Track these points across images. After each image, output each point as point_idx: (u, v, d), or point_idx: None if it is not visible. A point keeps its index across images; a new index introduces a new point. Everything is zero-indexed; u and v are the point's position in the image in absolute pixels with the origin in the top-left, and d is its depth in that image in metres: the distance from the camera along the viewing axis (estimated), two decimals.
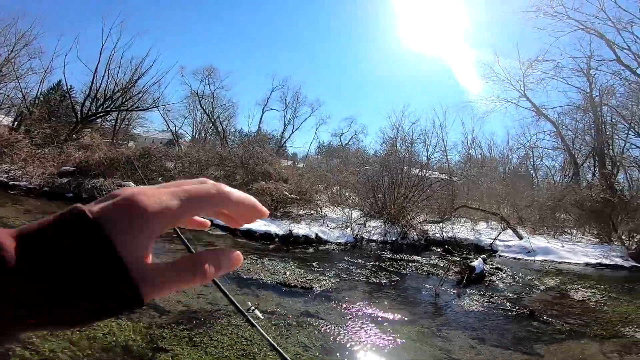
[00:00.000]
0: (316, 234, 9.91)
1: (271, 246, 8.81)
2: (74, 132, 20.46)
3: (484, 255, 8.69)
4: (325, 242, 9.79)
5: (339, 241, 9.99)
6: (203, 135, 40.31)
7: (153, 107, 27.26)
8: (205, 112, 37.27)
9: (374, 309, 5.40)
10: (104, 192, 11.30)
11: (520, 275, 8.56)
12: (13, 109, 23.30)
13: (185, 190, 0.31)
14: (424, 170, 13.41)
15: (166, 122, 34.58)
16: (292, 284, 5.91)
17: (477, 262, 7.37)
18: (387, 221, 11.61)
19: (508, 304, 6.25)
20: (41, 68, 24.41)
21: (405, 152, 14.71)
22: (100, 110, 23.85)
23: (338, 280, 6.63)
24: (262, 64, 71.40)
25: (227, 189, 0.34)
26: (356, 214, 12.22)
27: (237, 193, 0.34)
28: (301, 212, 12.03)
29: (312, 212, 12.31)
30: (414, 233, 11.49)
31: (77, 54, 39.98)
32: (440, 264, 8.83)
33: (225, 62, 76.46)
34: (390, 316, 5.20)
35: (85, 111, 23.10)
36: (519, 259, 10.75)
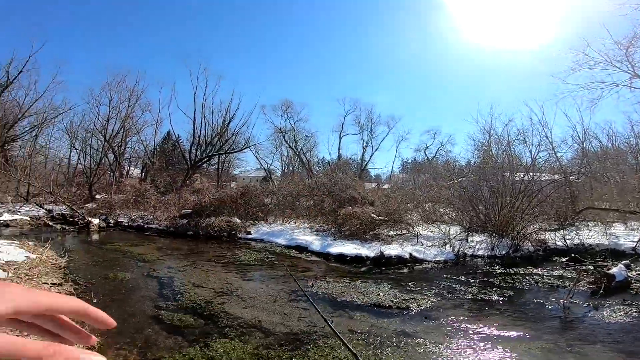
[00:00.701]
0: (410, 254, 9.31)
1: (363, 269, 8.54)
2: (187, 178, 23.83)
3: (627, 261, 6.95)
4: (422, 261, 9.10)
5: (437, 259, 9.18)
6: (291, 168, 42.61)
7: (246, 148, 29.86)
8: (290, 146, 39.69)
9: (484, 326, 4.74)
10: (216, 229, 12.75)
11: None
12: (139, 160, 28.33)
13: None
14: (530, 174, 11.68)
15: (259, 160, 37.91)
16: (387, 305, 5.60)
17: (616, 269, 5.98)
18: (493, 234, 10.32)
19: None
20: (152, 120, 29.23)
21: (503, 156, 13.12)
22: (204, 155, 27.22)
23: (439, 299, 6.04)
24: (331, 90, 73.67)
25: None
26: (455, 229, 11.20)
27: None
28: (391, 232, 11.56)
29: (404, 231, 11.70)
30: (529, 244, 9.94)
31: (177, 104, 47.58)
32: (567, 274, 7.36)
33: (298, 94, 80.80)
34: (504, 333, 4.51)
35: (193, 157, 26.69)
36: None
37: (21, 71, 23.35)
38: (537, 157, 12.39)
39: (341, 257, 9.34)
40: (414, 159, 44.91)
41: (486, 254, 9.73)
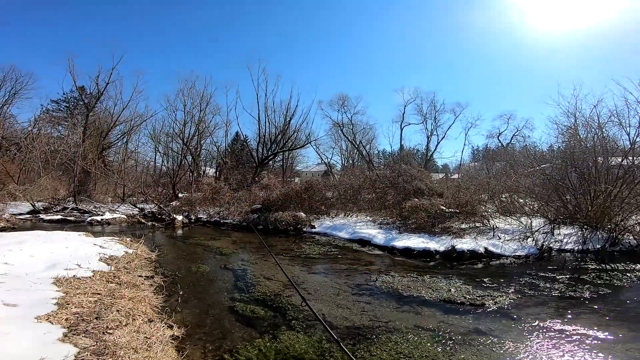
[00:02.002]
0: (485, 248, 8.64)
1: (431, 263, 8.16)
2: (256, 175, 25.32)
3: None
4: (499, 256, 8.39)
5: (516, 254, 8.38)
6: (351, 162, 42.70)
7: (307, 144, 30.83)
8: (349, 139, 39.66)
9: (573, 325, 4.27)
10: (283, 223, 13.31)
11: None
12: (213, 161, 30.84)
13: None
14: (630, 158, 9.96)
15: (319, 155, 38.67)
16: (459, 301, 5.30)
17: None
18: (585, 226, 9.08)
19: None
20: (222, 122, 31.61)
21: (594, 139, 11.38)
22: (269, 153, 28.66)
23: (519, 296, 5.55)
24: (387, 81, 71.53)
25: None
26: (537, 221, 10.11)
27: None
28: (463, 225, 10.85)
29: (478, 224, 10.90)
30: (630, 237, 8.56)
31: (242, 106, 50.74)
32: None
33: (353, 88, 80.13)
34: (598, 333, 4.02)
35: (260, 156, 28.25)
36: None
37: (108, 82, 26.92)
38: (638, 140, 10.49)
39: (407, 251, 9.06)
40: (486, 146, 41.63)
41: (576, 248, 8.64)
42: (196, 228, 14.80)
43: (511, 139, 37.37)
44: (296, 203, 15.19)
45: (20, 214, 15.81)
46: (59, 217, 15.90)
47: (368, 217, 13.76)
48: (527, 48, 60.57)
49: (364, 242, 10.54)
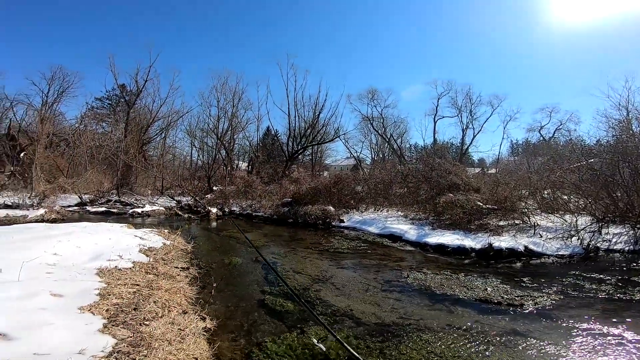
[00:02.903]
0: (525, 247, 8.18)
1: (466, 261, 7.85)
2: (286, 169, 25.70)
3: None
4: (540, 255, 7.92)
5: (559, 253, 7.87)
6: (381, 155, 42.07)
7: (336, 138, 30.88)
8: (379, 133, 39.05)
9: (621, 328, 3.98)
10: (312, 217, 13.38)
11: None
12: (245, 155, 31.68)
13: None
14: None
15: (348, 149, 38.44)
16: (495, 301, 5.08)
17: None
18: (638, 225, 8.34)
19: None
20: (254, 117, 32.43)
21: None
22: (299, 147, 28.98)
23: (562, 297, 5.24)
24: (419, 73, 69.36)
25: None
26: (583, 219, 9.42)
27: None
28: (501, 223, 10.33)
29: (517, 222, 10.34)
30: None
31: (272, 101, 51.75)
32: None
33: (382, 81, 78.62)
34: None
35: (290, 150, 28.64)
36: None
37: (146, 80, 28.18)
38: None
39: (440, 248, 8.78)
40: (526, 140, 39.48)
41: (626, 248, 8.00)
42: (229, 220, 15.23)
43: (554, 133, 35.16)
44: (325, 197, 15.21)
45: (69, 206, 17.03)
46: (103, 209, 16.98)
47: (399, 212, 13.49)
48: (573, 37, 56.29)
49: (395, 237, 10.34)
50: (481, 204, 10.95)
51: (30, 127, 26.77)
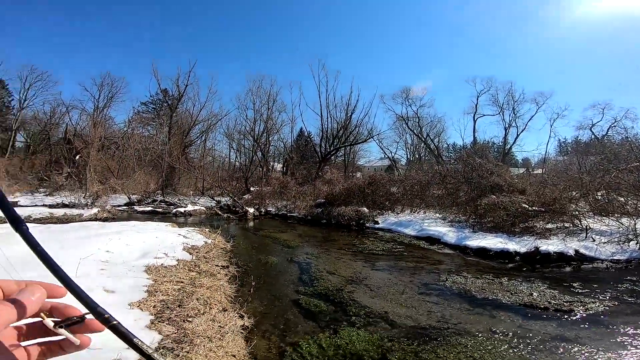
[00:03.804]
0: (576, 251, 7.65)
1: (509, 265, 7.47)
2: (319, 170, 25.89)
3: None
4: (592, 259, 7.37)
5: (615, 258, 7.28)
6: (417, 156, 40.99)
7: (369, 138, 30.72)
8: (414, 133, 38.04)
9: None
10: (345, 218, 13.37)
11: None
12: (280, 156, 32.43)
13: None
14: None
15: (382, 149, 37.82)
16: (541, 306, 4.85)
17: None
18: None
19: None
20: (288, 119, 33.11)
21: None
22: (332, 148, 29.07)
23: (616, 303, 4.89)
24: (457, 71, 66.58)
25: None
26: None
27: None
28: (549, 225, 9.72)
29: (566, 224, 9.67)
30: None
31: (305, 103, 52.68)
32: None
33: (417, 80, 76.50)
34: None
35: (323, 151, 28.83)
36: None
37: (187, 85, 29.68)
38: None
39: (482, 251, 8.43)
40: (576, 139, 36.61)
41: None
42: (265, 220, 15.60)
43: (608, 131, 32.33)
44: (359, 198, 15.10)
45: (119, 206, 18.30)
46: (149, 208, 18.07)
47: (437, 214, 13.09)
48: (621, 31, 51.24)
49: (433, 240, 10.06)
50: (527, 206, 10.36)
51: (84, 131, 29.15)
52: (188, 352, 2.53)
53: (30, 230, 0.48)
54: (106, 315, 0.45)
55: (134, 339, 0.45)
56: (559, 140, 40.45)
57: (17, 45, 48.90)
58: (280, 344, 3.72)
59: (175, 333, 2.89)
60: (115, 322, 0.45)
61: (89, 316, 0.45)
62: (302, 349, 3.54)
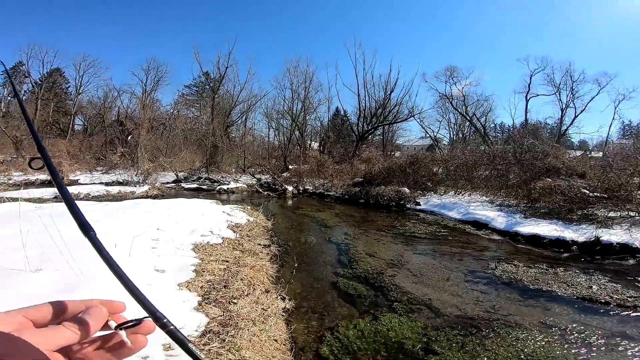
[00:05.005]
0: None
1: (565, 255, 6.93)
2: (356, 149, 25.63)
3: None
4: None
5: None
6: (461, 135, 39.12)
7: (410, 117, 29.77)
8: (460, 112, 36.11)
9: None
10: (385, 198, 13.11)
11: None
12: (317, 135, 32.69)
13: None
14: None
15: (424, 129, 36.37)
16: (602, 300, 4.48)
17: None
18: None
19: None
20: (324, 98, 33.21)
21: None
22: (370, 127, 28.55)
23: None
24: (506, 50, 61.08)
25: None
26: None
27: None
28: (612, 214, 8.83)
29: (632, 214, 8.73)
30: None
31: (342, 82, 52.27)
32: None
33: (462, 58, 71.48)
34: None
35: (360, 130, 28.42)
36: None
37: (227, 67, 30.32)
38: None
39: (534, 239, 7.89)
40: None
41: None
42: (303, 199, 15.76)
43: None
44: (399, 178, 14.68)
45: (167, 183, 19.36)
46: (195, 185, 18.94)
47: (484, 197, 12.42)
48: None
49: (480, 224, 9.56)
50: (587, 192, 9.47)
51: (135, 113, 31.12)
52: (233, 337, 2.58)
53: (95, 235, 0.52)
54: (164, 320, 0.46)
55: (189, 344, 0.46)
56: (623, 122, 37.05)
57: (70, 36, 52.40)
58: (318, 328, 3.71)
59: (221, 315, 2.96)
60: (172, 327, 0.46)
61: (147, 319, 0.47)
62: (340, 334, 3.51)
